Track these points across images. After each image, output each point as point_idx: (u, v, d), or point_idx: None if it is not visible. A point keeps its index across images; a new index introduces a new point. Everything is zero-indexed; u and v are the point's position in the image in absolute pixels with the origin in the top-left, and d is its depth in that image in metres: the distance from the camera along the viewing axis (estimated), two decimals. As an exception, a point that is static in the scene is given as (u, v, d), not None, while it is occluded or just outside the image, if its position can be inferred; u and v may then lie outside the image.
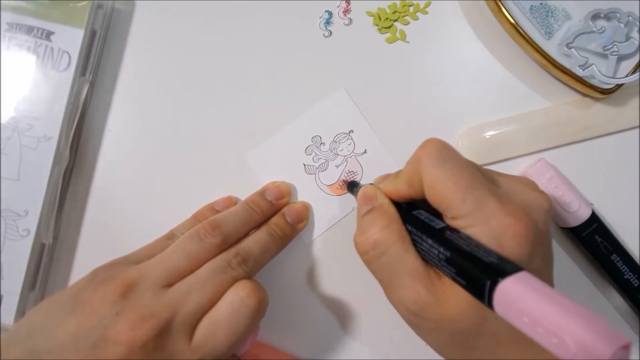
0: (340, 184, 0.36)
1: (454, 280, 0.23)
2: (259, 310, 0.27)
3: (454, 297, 0.24)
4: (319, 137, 0.36)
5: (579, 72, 0.34)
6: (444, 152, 0.25)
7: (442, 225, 0.25)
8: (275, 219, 0.33)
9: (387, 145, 0.36)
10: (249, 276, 0.28)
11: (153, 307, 0.25)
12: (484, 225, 0.23)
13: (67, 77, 0.33)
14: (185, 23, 0.36)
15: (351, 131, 0.36)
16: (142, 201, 0.36)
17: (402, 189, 0.27)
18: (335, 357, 0.36)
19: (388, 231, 0.26)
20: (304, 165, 0.36)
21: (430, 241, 0.24)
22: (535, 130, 0.35)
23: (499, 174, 0.27)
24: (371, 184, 0.30)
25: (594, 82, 0.34)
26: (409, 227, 0.26)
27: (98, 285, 0.25)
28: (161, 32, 0.36)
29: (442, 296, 0.24)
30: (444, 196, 0.24)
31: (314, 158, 0.36)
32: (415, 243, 0.26)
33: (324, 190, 0.36)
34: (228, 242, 0.29)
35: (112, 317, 0.24)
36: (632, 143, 0.36)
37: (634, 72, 0.34)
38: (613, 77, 0.34)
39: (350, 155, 0.36)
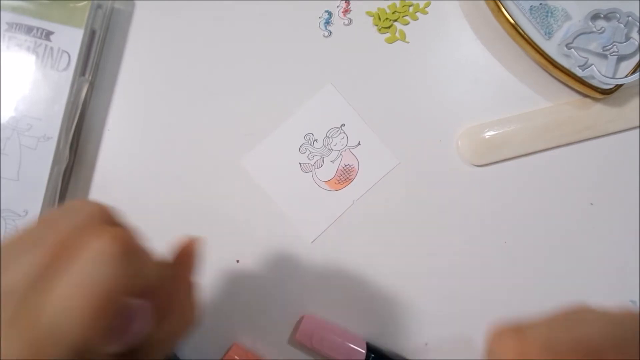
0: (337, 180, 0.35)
1: None
2: None
3: None
4: (311, 135, 0.36)
5: (579, 72, 0.34)
6: None
7: None
8: None
9: (384, 143, 0.36)
10: None
11: None
12: None
13: (67, 77, 0.33)
14: (185, 23, 0.36)
15: (343, 125, 0.36)
16: (141, 201, 0.36)
17: None
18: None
19: None
20: (300, 164, 0.36)
21: None
22: (535, 130, 0.35)
23: None
24: None
25: (594, 82, 0.34)
26: None
27: None
28: (161, 32, 0.36)
29: None
30: None
31: (309, 156, 0.36)
32: None
33: (322, 186, 0.36)
34: None
35: None
36: (632, 143, 0.36)
37: (633, 72, 0.34)
38: (613, 77, 0.34)
39: (344, 149, 0.36)
